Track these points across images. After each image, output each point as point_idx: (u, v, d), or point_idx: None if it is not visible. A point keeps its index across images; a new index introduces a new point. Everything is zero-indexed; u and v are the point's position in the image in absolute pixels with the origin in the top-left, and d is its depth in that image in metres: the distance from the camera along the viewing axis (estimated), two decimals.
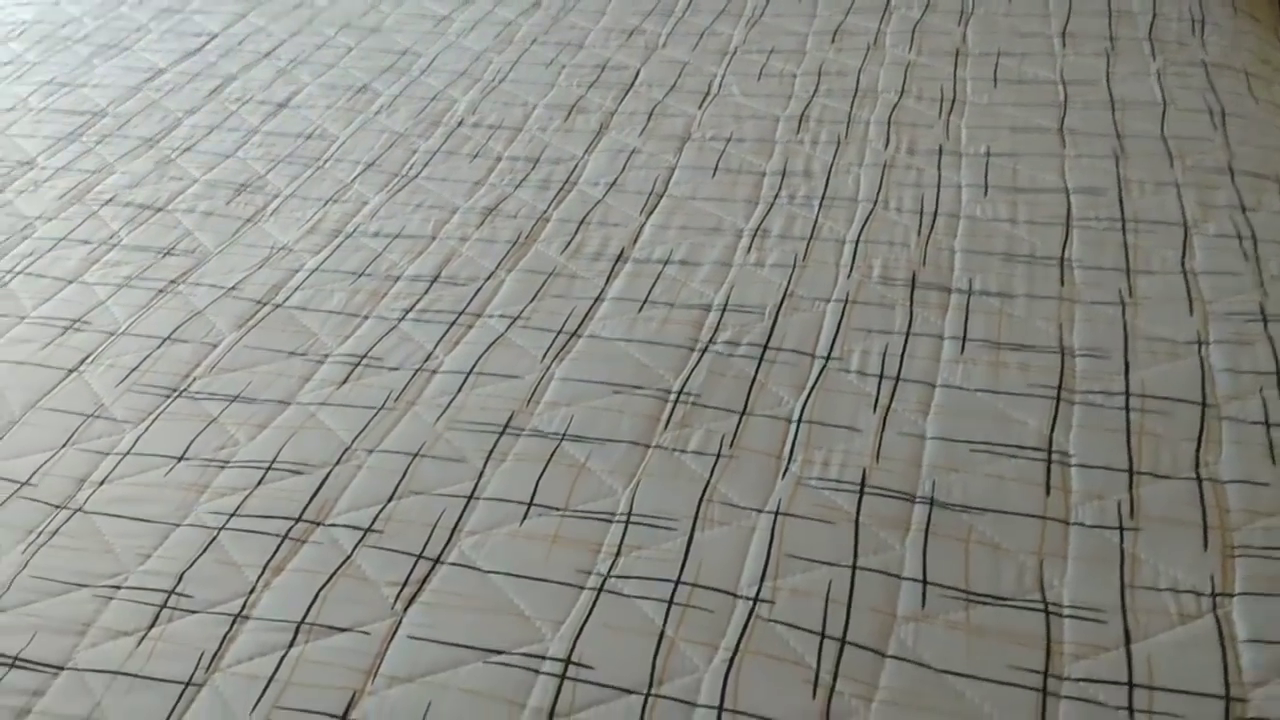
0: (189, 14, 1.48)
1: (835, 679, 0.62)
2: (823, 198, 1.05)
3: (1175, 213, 0.97)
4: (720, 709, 0.61)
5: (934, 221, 1.00)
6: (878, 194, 1.05)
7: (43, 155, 1.19)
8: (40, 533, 0.75)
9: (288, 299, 0.95)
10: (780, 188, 1.08)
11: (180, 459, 0.80)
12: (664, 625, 0.66)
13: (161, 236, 1.05)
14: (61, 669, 0.66)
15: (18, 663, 0.66)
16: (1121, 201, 0.99)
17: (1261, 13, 1.34)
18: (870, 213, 1.02)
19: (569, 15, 1.46)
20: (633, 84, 1.28)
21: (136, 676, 0.65)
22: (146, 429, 0.83)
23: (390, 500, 0.75)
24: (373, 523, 0.74)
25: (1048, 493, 0.73)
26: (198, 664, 0.66)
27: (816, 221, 1.02)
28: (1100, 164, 1.04)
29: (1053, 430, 0.78)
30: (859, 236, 0.99)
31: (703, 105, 1.23)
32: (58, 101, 1.29)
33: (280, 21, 1.45)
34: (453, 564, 0.71)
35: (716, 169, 1.11)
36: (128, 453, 0.82)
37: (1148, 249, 0.93)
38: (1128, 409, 0.78)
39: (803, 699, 0.61)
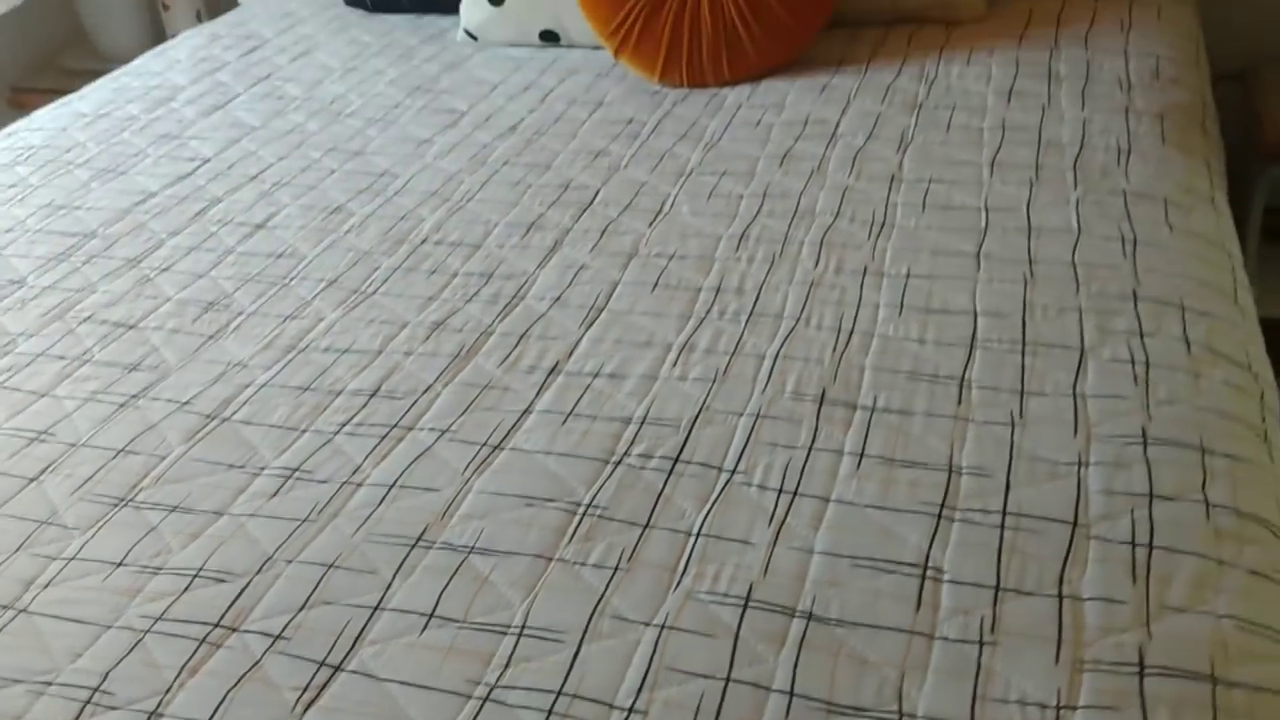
0: (186, 139, 1.59)
1: None
2: (750, 314, 1.11)
3: (1074, 337, 1.02)
4: None
5: (849, 339, 1.06)
6: (801, 311, 1.11)
7: (33, 274, 1.28)
8: None
9: (235, 413, 1.02)
10: (713, 303, 1.14)
11: (119, 565, 0.87)
12: None
13: (130, 353, 1.13)
14: None
15: None
16: (1024, 325, 1.04)
17: (1191, 142, 1.40)
18: (792, 329, 1.08)
19: (542, 138, 1.54)
20: (591, 203, 1.36)
21: None
22: (93, 536, 0.90)
23: (302, 609, 0.81)
24: (283, 630, 0.79)
25: (918, 608, 0.77)
26: None
27: (741, 337, 1.08)
28: (1009, 288, 1.10)
29: (930, 546, 0.82)
30: (778, 352, 1.05)
31: (653, 223, 1.30)
32: (53, 223, 1.38)
33: (270, 146, 1.55)
34: (352, 672, 0.76)
35: (657, 284, 1.18)
36: (73, 558, 0.88)
37: (1043, 371, 0.98)
38: (1003, 527, 0.83)
39: None
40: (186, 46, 1.93)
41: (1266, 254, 2.00)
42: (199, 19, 2.32)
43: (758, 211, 1.30)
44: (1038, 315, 1.06)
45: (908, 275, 1.14)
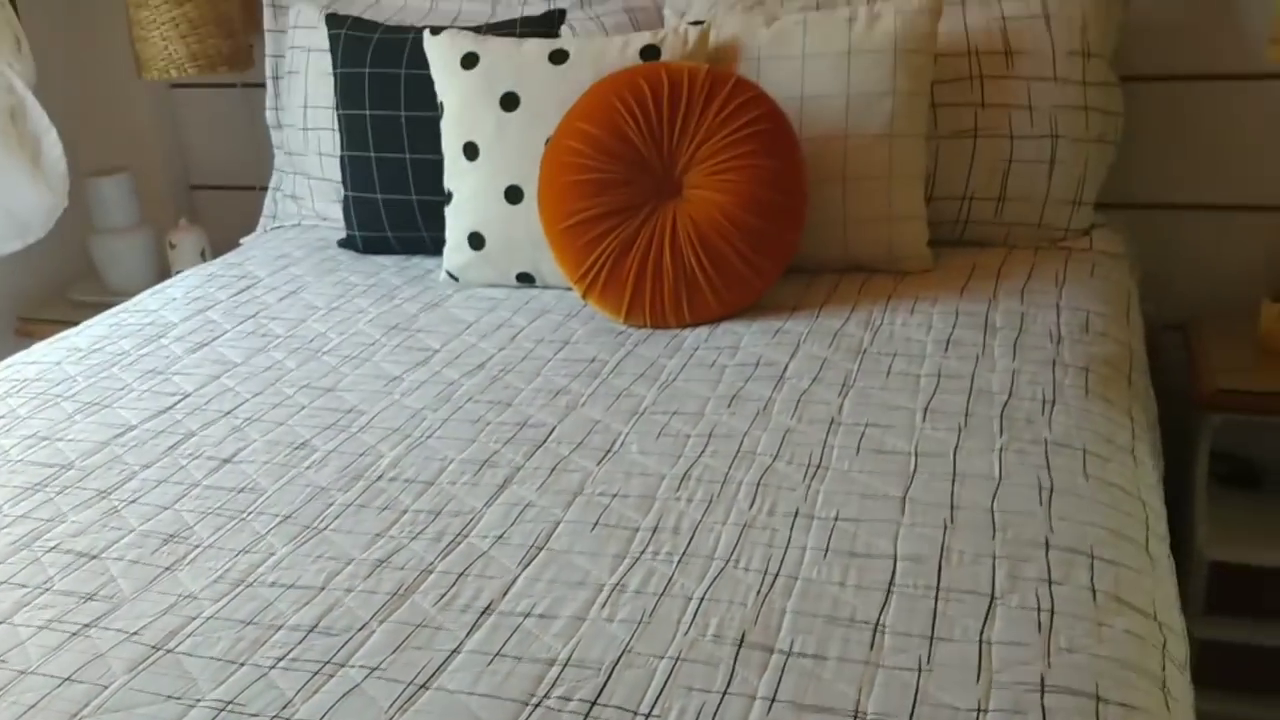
0: (170, 375, 1.68)
1: None
2: (683, 554, 1.16)
3: (986, 583, 1.07)
4: None
5: (774, 581, 1.10)
6: (732, 552, 1.16)
7: (8, 504, 1.34)
8: None
9: (180, 645, 1.06)
10: (649, 543, 1.19)
11: None
12: None
13: (88, 583, 1.17)
14: None
15: None
16: (940, 570, 1.09)
17: (1115, 393, 1.48)
18: (721, 570, 1.13)
19: (507, 375, 1.63)
20: (545, 440, 1.43)
21: None
22: None
23: None
24: None
25: None
26: None
27: (671, 577, 1.12)
28: (930, 533, 1.15)
29: None
30: (705, 594, 1.09)
31: (601, 461, 1.37)
32: (35, 454, 1.46)
33: (248, 383, 1.64)
34: None
35: (597, 523, 1.23)
36: None
37: (953, 617, 1.02)
38: None
39: None
40: (183, 286, 2.06)
41: (1220, 497, 2.04)
42: (203, 257, 2.47)
43: (702, 452, 1.37)
44: (954, 561, 1.10)
45: (836, 518, 1.20)
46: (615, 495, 1.29)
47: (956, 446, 1.32)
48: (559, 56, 1.89)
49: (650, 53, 1.87)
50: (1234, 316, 2.12)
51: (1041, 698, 0.91)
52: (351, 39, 2.13)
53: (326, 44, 2.21)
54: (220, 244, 2.46)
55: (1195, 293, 2.22)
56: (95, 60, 2.63)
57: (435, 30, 2.00)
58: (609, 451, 1.39)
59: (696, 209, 1.74)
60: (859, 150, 1.87)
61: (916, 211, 1.90)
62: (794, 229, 1.79)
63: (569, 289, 1.89)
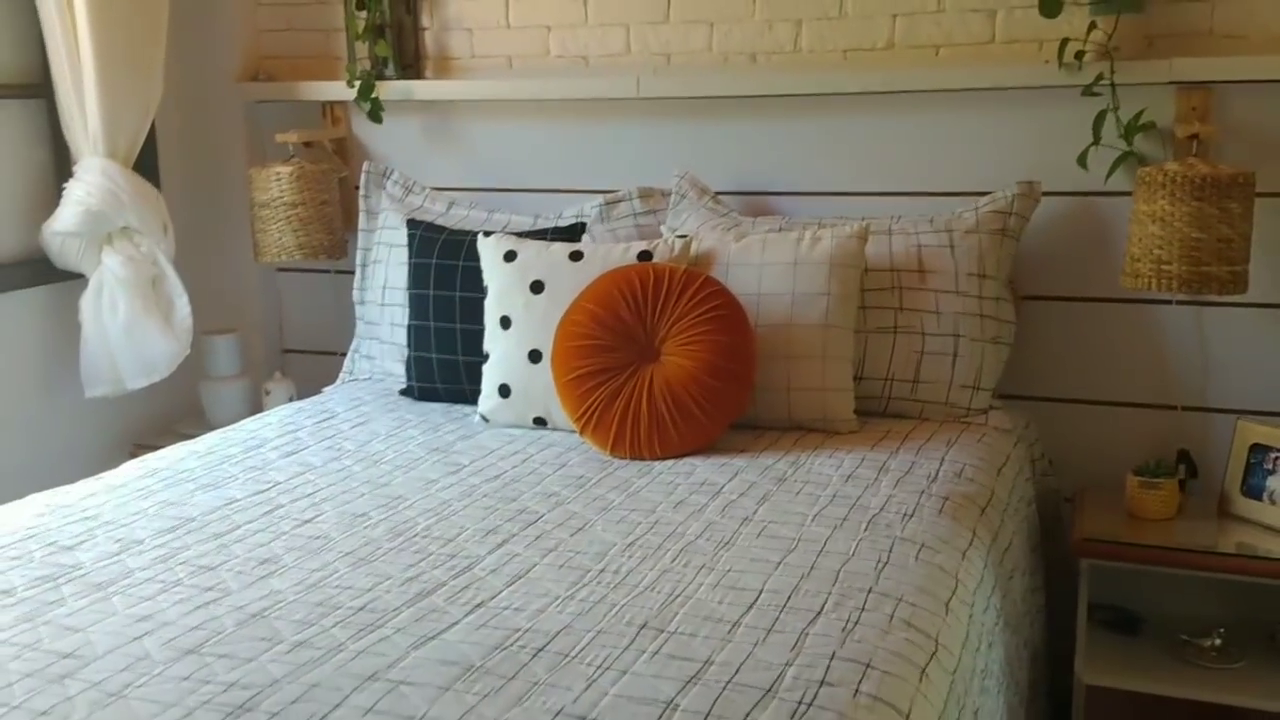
0: (266, 470, 2.24)
1: None
2: (617, 584, 1.66)
3: (819, 605, 1.56)
4: None
5: (675, 600, 1.59)
6: (651, 584, 1.65)
7: (149, 538, 1.88)
8: None
9: (274, 612, 1.57)
10: (596, 578, 1.69)
11: None
12: None
13: (208, 583, 1.70)
14: None
15: None
16: (790, 596, 1.58)
17: (964, 515, 1.98)
18: (639, 593, 1.62)
19: (516, 484, 2.16)
20: (535, 520, 1.94)
21: None
22: None
23: None
24: None
25: None
26: None
27: (605, 596, 1.62)
28: (789, 579, 1.65)
29: None
30: (624, 602, 1.58)
31: (573, 534, 1.87)
32: (166, 512, 2.00)
33: (325, 478, 2.19)
34: None
35: (563, 565, 1.74)
36: None
37: (791, 621, 1.51)
38: None
39: None
40: (277, 415, 2.66)
41: (1102, 639, 2.47)
42: (291, 401, 3.07)
43: (647, 532, 1.88)
44: (801, 592, 1.60)
45: (729, 570, 1.70)
46: (578, 552, 1.80)
47: (829, 537, 1.83)
48: (576, 256, 2.52)
49: (645, 256, 2.49)
50: (1114, 489, 2.60)
51: (829, 664, 1.39)
52: (425, 238, 2.79)
53: (405, 241, 2.87)
54: (305, 395, 3.05)
55: (1086, 470, 2.71)
56: (222, 244, 3.32)
57: (487, 234, 2.65)
58: (580, 529, 1.91)
59: (669, 370, 2.31)
60: (801, 335, 2.43)
61: (845, 385, 2.45)
62: (742, 390, 2.35)
63: (572, 431, 2.44)
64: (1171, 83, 2.49)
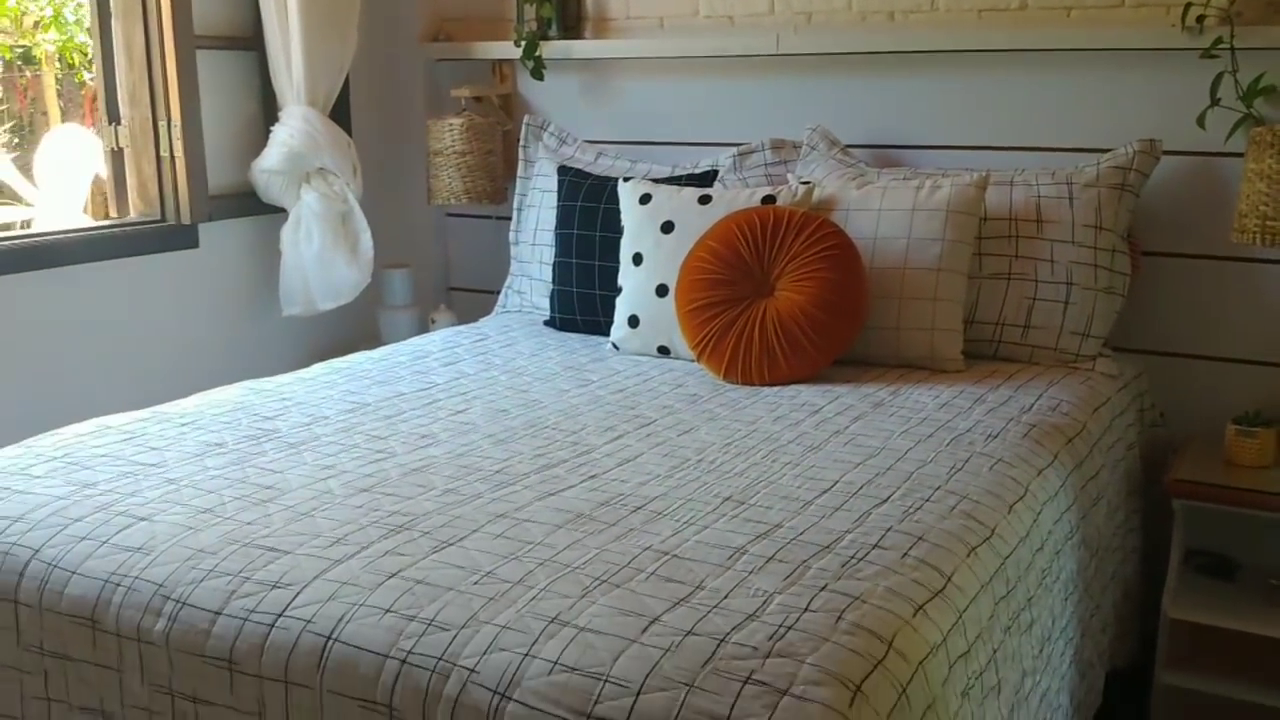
0: (428, 374, 2.58)
1: None
2: (716, 469, 1.90)
3: (888, 492, 1.76)
4: None
5: (755, 484, 1.83)
6: (767, 471, 1.89)
7: (335, 415, 2.23)
8: None
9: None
10: (699, 460, 1.93)
11: None
12: None
13: (412, 436, 2.03)
14: None
15: None
16: (863, 486, 1.79)
17: (1049, 441, 2.13)
18: (751, 472, 1.86)
19: (636, 398, 2.42)
20: (648, 425, 2.19)
21: None
22: None
23: None
24: None
25: None
26: None
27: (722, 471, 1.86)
28: (864, 474, 1.86)
29: None
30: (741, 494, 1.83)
31: (680, 435, 2.12)
32: (346, 398, 2.36)
33: (476, 381, 2.51)
34: None
35: (668, 456, 1.99)
36: None
37: (862, 505, 1.72)
38: None
39: None
40: (440, 335, 3.00)
41: (1194, 581, 2.57)
42: None
43: (746, 435, 2.12)
44: (874, 484, 1.81)
45: (812, 466, 1.92)
46: (682, 447, 2.05)
47: (911, 449, 2.02)
48: (705, 199, 2.76)
49: (769, 200, 2.71)
50: (1217, 440, 2.66)
51: (885, 533, 1.60)
52: (572, 183, 3.08)
53: (556, 187, 3.16)
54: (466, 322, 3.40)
55: (1196, 423, 2.78)
56: (401, 187, 3.70)
57: (626, 179, 2.92)
58: (686, 432, 2.16)
59: (781, 304, 2.53)
60: (914, 278, 2.60)
61: (955, 326, 2.60)
62: (851, 326, 2.54)
63: (692, 360, 2.67)
64: None
